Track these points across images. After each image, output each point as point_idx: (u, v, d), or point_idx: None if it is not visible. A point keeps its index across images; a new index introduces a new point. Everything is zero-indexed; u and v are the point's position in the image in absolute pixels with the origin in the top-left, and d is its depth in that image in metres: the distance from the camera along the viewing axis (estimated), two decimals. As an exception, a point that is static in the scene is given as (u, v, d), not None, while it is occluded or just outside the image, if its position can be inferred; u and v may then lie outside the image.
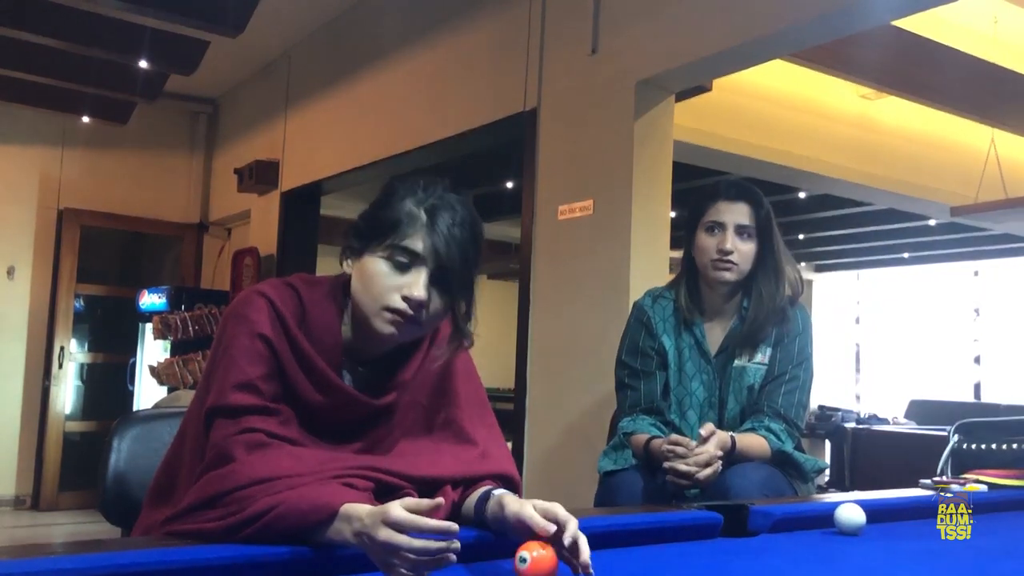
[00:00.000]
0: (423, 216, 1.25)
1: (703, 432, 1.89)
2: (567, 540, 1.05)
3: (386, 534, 0.97)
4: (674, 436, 1.92)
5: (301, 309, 1.29)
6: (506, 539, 1.14)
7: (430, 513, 1.00)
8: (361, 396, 1.29)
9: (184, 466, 1.28)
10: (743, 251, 2.07)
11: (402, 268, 1.25)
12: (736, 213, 2.08)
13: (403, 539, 0.97)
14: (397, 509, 0.98)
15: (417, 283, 1.23)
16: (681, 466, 1.84)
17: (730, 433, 1.96)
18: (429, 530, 0.97)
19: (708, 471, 1.84)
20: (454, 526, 0.98)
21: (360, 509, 1.03)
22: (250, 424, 1.19)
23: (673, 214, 3.36)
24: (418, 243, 1.24)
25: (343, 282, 1.32)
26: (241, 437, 1.18)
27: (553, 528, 1.06)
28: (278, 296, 1.28)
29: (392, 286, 1.24)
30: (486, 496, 1.23)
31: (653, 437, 2.00)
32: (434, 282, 1.25)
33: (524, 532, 1.08)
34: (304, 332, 1.27)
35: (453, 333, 1.34)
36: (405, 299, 1.23)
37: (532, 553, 1.01)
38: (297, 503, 1.06)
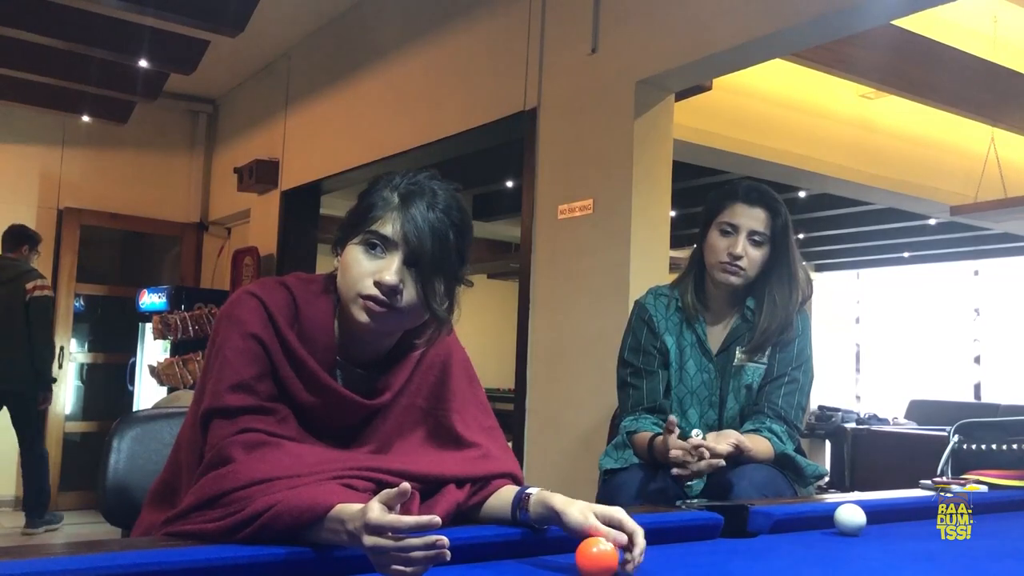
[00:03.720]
0: (395, 200, 1.24)
1: (720, 448, 1.81)
2: (636, 553, 1.09)
3: (371, 540, 0.96)
4: (682, 443, 1.83)
5: (294, 308, 1.27)
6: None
7: (398, 502, 0.98)
8: (353, 396, 1.27)
9: (184, 468, 1.27)
10: (753, 257, 2.06)
11: (376, 254, 1.23)
12: (752, 218, 2.06)
13: (387, 542, 0.95)
14: (374, 511, 0.96)
15: (389, 268, 1.21)
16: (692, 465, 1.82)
17: (740, 433, 1.94)
18: (408, 528, 0.95)
19: (703, 464, 1.81)
20: (435, 519, 0.95)
21: (351, 509, 1.01)
22: (247, 424, 1.19)
23: (673, 213, 3.36)
24: (387, 227, 1.22)
25: (335, 278, 1.30)
26: (239, 437, 1.17)
27: (625, 539, 1.10)
28: (269, 296, 1.26)
29: (365, 272, 1.22)
30: (521, 496, 1.22)
31: (656, 435, 1.99)
32: (410, 266, 1.22)
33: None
34: (297, 331, 1.25)
35: (428, 320, 1.29)
36: (377, 284, 1.21)
37: (601, 545, 1.06)
38: (294, 503, 1.05)
